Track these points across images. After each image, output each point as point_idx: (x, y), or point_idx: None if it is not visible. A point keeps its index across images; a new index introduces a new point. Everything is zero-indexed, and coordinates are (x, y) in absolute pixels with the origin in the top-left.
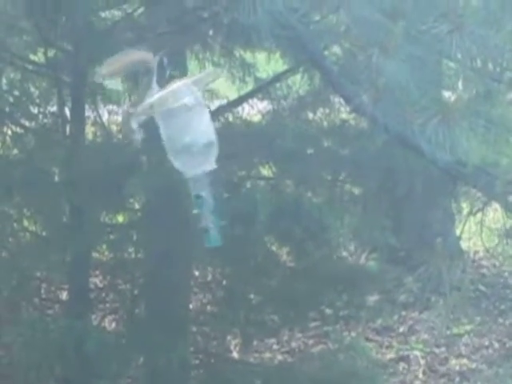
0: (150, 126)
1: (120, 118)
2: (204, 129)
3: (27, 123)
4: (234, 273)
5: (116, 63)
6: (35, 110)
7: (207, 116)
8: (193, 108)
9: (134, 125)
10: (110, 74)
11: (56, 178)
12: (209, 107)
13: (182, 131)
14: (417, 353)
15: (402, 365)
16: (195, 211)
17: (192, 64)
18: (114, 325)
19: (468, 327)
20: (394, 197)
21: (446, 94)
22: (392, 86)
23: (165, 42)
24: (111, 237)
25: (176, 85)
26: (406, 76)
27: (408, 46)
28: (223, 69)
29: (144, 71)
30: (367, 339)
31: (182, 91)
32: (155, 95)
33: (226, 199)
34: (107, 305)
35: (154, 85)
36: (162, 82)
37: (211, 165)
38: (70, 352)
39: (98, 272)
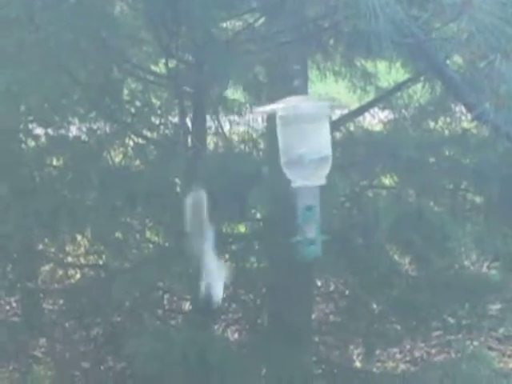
0: (271, 138)
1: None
2: (321, 143)
3: (149, 134)
4: (357, 282)
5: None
6: (157, 121)
7: (327, 130)
8: (314, 119)
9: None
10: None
11: (178, 189)
12: (330, 119)
13: (300, 141)
14: None
15: None
16: (300, 221)
17: (313, 73)
18: (236, 335)
19: None
20: None
21: None
22: None
23: (286, 52)
24: (233, 247)
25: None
26: None
27: None
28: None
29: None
30: (490, 348)
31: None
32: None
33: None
34: (230, 315)
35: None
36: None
37: (321, 180)
38: (193, 363)
39: None
